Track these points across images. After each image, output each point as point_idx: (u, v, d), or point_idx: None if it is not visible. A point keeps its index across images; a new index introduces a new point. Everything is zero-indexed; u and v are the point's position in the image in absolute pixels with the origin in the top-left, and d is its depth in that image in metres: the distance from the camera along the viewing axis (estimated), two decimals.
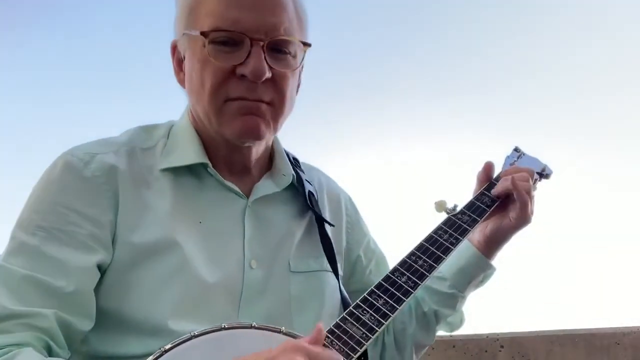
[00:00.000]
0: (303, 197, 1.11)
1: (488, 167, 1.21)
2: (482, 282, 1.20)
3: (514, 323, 2.30)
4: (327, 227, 1.12)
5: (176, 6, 1.03)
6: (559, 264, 2.46)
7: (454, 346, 2.21)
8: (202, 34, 0.96)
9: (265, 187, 1.07)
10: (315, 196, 1.14)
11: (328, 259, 1.09)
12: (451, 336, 2.14)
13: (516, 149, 1.29)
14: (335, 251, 1.11)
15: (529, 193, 1.12)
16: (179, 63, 1.05)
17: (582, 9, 2.69)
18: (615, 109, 2.63)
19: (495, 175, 1.21)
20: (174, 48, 1.05)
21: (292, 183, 1.10)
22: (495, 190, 1.16)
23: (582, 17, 2.71)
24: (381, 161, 2.55)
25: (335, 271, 1.09)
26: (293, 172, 1.11)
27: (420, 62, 2.73)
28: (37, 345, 0.84)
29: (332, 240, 1.12)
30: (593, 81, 2.64)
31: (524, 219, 1.12)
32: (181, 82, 1.04)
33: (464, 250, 1.16)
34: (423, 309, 1.19)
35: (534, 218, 1.14)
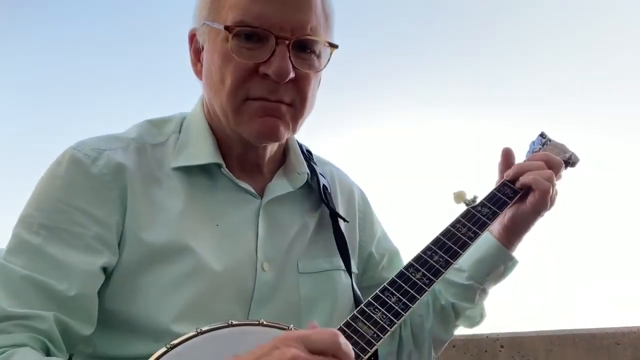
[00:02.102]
0: (317, 192, 1.08)
1: (507, 154, 1.17)
2: (503, 274, 1.16)
3: (514, 323, 2.28)
4: (341, 223, 1.08)
5: None
6: (559, 264, 2.44)
7: (454, 346, 2.18)
8: (226, 28, 0.91)
9: (279, 186, 1.04)
10: (329, 190, 1.10)
11: (341, 256, 1.05)
12: None
13: (542, 135, 1.23)
14: (349, 248, 1.07)
15: (549, 179, 1.07)
16: (196, 53, 1.00)
17: None
18: None
19: (518, 162, 1.17)
20: (192, 37, 1.00)
21: (306, 180, 1.07)
22: (518, 183, 1.11)
23: None
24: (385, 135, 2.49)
25: (348, 269, 1.06)
26: (307, 169, 1.07)
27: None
28: (35, 346, 0.80)
29: (346, 237, 1.08)
30: None
31: (541, 203, 1.08)
32: (198, 73, 1.00)
33: (482, 240, 1.11)
34: (441, 302, 1.16)
35: (553, 207, 1.10)
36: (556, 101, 2.60)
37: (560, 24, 2.71)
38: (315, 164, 1.11)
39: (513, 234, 1.13)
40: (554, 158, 1.13)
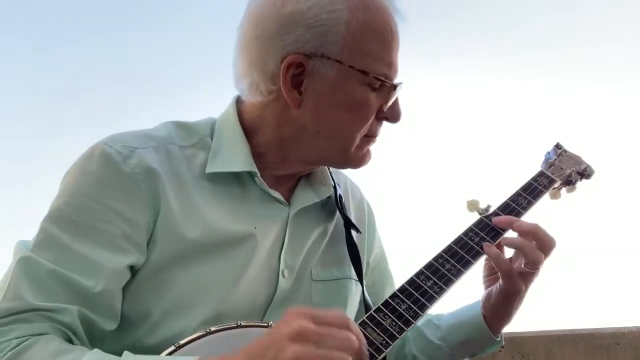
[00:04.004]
0: (334, 201, 1.09)
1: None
2: (478, 348, 1.11)
3: (514, 323, 2.28)
4: (353, 233, 1.09)
5: (296, 19, 0.93)
6: (559, 264, 2.43)
7: None
8: (376, 77, 0.94)
9: (306, 196, 1.05)
10: (344, 200, 1.11)
11: (354, 265, 1.06)
12: None
13: (557, 146, 1.23)
14: (361, 258, 1.08)
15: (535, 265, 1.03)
16: (296, 82, 0.94)
17: None
18: None
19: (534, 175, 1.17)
20: (295, 63, 0.93)
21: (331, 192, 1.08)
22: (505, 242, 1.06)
23: None
24: None
25: (360, 278, 1.07)
26: (332, 181, 1.09)
27: None
28: (58, 336, 0.81)
29: (359, 247, 1.09)
30: None
31: (509, 283, 1.03)
32: (292, 101, 0.95)
33: (471, 307, 1.10)
34: (405, 350, 1.14)
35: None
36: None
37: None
38: (332, 173, 1.12)
39: (495, 311, 1.08)
40: (546, 239, 1.05)
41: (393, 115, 1.00)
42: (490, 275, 1.11)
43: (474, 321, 1.10)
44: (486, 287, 1.10)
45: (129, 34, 2.52)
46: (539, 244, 1.04)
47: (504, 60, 2.62)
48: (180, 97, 2.48)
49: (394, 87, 0.96)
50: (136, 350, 0.88)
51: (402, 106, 1.00)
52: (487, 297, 1.09)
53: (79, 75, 2.47)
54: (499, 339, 1.11)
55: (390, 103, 0.98)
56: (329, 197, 1.09)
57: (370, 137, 1.00)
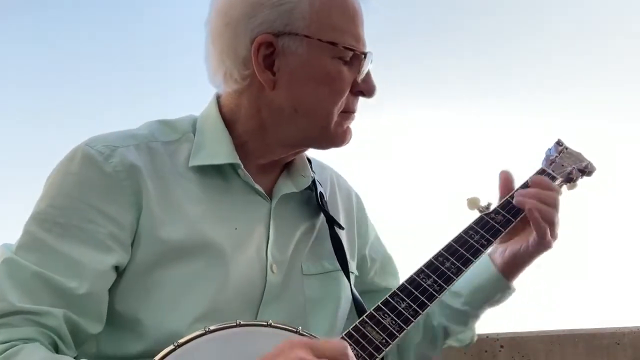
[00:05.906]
0: (315, 197, 1.09)
1: (505, 179, 1.15)
2: (498, 301, 1.16)
3: (514, 323, 2.27)
4: (337, 228, 1.10)
5: (260, 1, 0.95)
6: (559, 264, 2.43)
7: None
8: (345, 47, 0.96)
9: (285, 187, 1.05)
10: (326, 197, 1.12)
11: (339, 260, 1.07)
12: None
13: (559, 142, 1.23)
14: (347, 252, 1.08)
15: (549, 220, 1.06)
16: (268, 62, 0.96)
17: None
18: None
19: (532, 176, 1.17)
20: (265, 43, 0.95)
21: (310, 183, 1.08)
22: (516, 203, 1.09)
23: None
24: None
25: (346, 272, 1.07)
26: (311, 172, 1.09)
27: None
28: (44, 341, 0.80)
29: (346, 241, 1.10)
30: None
31: (543, 245, 1.08)
32: (267, 82, 0.96)
33: (483, 267, 1.12)
34: (432, 322, 1.16)
35: (556, 241, 1.10)
36: (561, 92, 2.58)
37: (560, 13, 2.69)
38: (314, 171, 1.12)
39: (514, 268, 1.13)
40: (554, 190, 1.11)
41: (367, 89, 1.01)
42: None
43: (492, 281, 1.13)
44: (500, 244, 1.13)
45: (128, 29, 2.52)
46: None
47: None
48: (179, 97, 2.48)
49: (364, 55, 0.97)
50: (130, 353, 0.88)
51: (376, 80, 1.01)
52: (512, 253, 1.11)
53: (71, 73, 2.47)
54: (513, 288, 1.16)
55: (362, 75, 0.99)
56: (312, 192, 1.09)
57: (348, 112, 1.01)
